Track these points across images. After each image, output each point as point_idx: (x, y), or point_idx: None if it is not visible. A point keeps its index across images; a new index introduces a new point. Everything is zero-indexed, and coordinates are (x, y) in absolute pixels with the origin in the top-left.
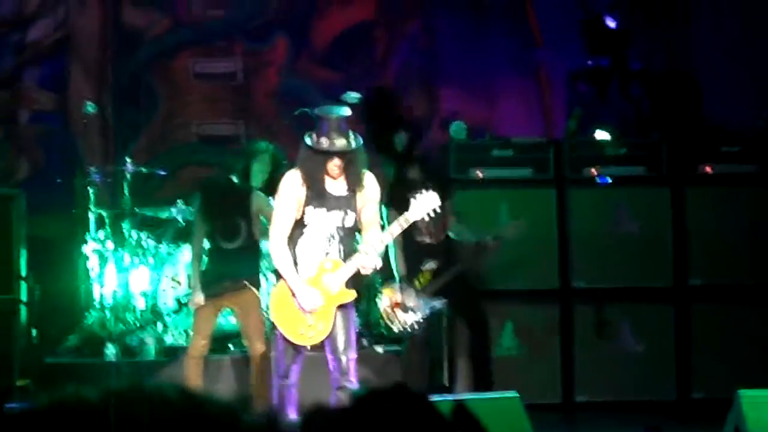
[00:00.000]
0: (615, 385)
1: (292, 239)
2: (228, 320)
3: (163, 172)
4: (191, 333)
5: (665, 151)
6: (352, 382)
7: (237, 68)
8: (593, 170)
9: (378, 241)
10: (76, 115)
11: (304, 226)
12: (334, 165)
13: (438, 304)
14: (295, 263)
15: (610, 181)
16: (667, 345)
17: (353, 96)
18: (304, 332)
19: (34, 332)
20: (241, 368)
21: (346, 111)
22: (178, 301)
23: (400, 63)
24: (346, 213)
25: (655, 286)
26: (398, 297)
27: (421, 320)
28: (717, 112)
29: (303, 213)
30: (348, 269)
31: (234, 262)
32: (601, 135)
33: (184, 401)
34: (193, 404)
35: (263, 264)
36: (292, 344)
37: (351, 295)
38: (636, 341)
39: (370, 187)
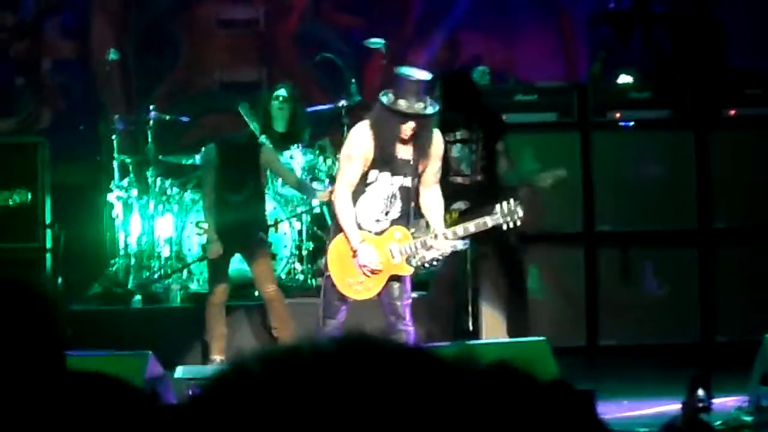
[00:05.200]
0: (639, 329)
1: (354, 194)
2: None
3: (185, 119)
4: (209, 281)
5: (689, 95)
6: (408, 325)
7: (259, 14)
8: (617, 114)
9: (451, 231)
10: (98, 63)
11: (367, 184)
12: (409, 128)
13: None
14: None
15: (633, 124)
16: (691, 288)
17: (375, 41)
18: (352, 284)
19: (59, 280)
20: (261, 314)
21: (427, 75)
22: (203, 247)
23: (421, 7)
24: (410, 175)
25: (679, 229)
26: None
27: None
28: (740, 55)
29: (367, 172)
30: (414, 245)
31: (241, 212)
32: (625, 79)
33: None
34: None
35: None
36: None
37: (408, 270)
38: (660, 284)
39: (436, 145)
